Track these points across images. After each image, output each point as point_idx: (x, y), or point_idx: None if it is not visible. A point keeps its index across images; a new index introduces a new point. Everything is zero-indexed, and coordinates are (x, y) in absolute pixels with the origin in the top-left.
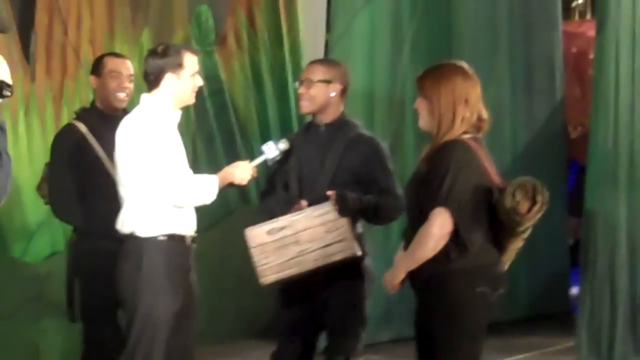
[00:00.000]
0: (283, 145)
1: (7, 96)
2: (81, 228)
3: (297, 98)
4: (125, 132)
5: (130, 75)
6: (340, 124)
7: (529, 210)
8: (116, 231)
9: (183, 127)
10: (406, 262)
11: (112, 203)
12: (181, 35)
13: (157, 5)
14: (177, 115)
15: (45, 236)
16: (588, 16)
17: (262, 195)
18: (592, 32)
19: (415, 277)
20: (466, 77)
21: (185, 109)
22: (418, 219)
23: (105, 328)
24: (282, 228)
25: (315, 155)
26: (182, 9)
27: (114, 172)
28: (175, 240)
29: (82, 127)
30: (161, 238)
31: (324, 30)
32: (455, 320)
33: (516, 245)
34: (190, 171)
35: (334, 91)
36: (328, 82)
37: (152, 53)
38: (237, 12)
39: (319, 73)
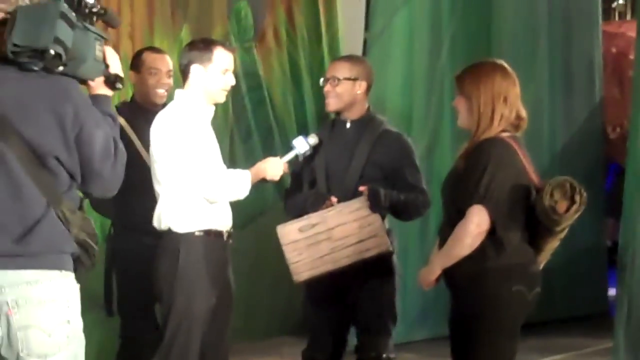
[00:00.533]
0: (313, 140)
1: (119, 88)
2: (119, 222)
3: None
4: (158, 128)
5: (169, 70)
6: (367, 121)
7: (567, 209)
8: (154, 226)
9: (221, 122)
10: (442, 259)
11: (150, 197)
12: (220, 31)
13: (197, 1)
14: (210, 111)
15: None
16: (628, 17)
17: (287, 193)
18: (632, 33)
19: (451, 275)
20: (505, 74)
21: (224, 105)
22: (455, 217)
23: (141, 323)
24: (314, 225)
25: (342, 152)
26: (221, 4)
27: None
28: (211, 235)
29: (121, 121)
30: (198, 233)
31: (363, 29)
32: (492, 319)
33: (553, 245)
34: (224, 166)
35: (360, 89)
36: (354, 79)
37: (186, 45)
38: (277, 9)
39: (345, 71)
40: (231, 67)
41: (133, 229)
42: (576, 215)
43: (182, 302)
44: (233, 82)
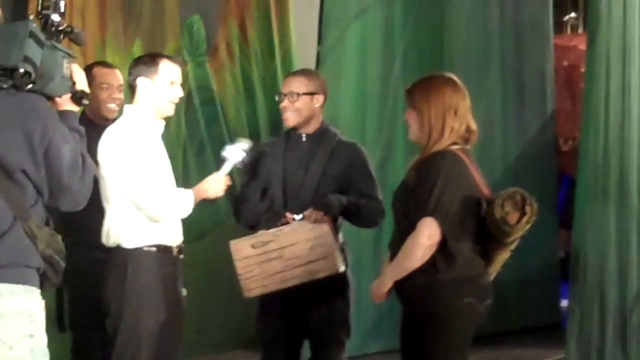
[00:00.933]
0: (245, 144)
1: (85, 104)
2: (69, 237)
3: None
4: (105, 143)
5: (120, 85)
6: (321, 134)
7: (518, 221)
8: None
9: (174, 137)
10: (393, 271)
11: (100, 212)
12: (173, 46)
13: (149, 15)
14: (160, 125)
15: None
16: (580, 30)
17: (237, 200)
18: (583, 46)
19: (402, 287)
20: (455, 88)
21: (177, 119)
22: (405, 229)
23: (93, 338)
24: (266, 242)
25: (298, 166)
26: (174, 19)
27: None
28: (161, 251)
29: None
30: (146, 249)
31: (316, 42)
32: (443, 331)
33: (503, 257)
34: (174, 182)
35: (317, 102)
36: (312, 93)
37: (133, 61)
38: (229, 23)
39: (302, 85)
40: (178, 79)
41: (83, 243)
42: (527, 226)
43: (130, 319)
44: (181, 94)
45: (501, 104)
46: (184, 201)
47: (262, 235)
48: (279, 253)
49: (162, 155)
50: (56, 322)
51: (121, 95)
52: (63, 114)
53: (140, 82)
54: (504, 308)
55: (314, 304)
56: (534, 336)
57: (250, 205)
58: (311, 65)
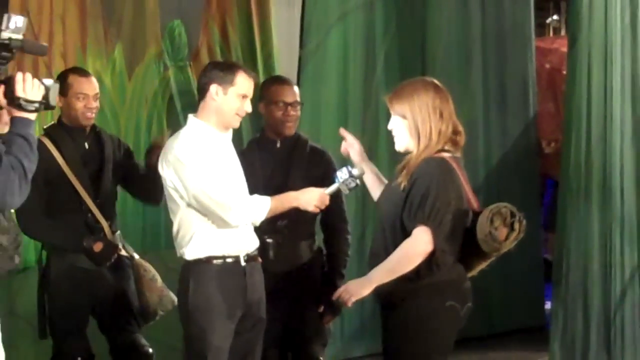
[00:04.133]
0: (357, 171)
1: (30, 110)
2: (49, 244)
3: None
4: (167, 155)
5: (97, 94)
6: (295, 139)
7: (507, 237)
8: (84, 246)
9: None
10: (383, 274)
11: (78, 218)
12: (154, 50)
13: (130, 20)
14: (225, 136)
15: None
16: (562, 32)
17: None
18: (565, 48)
19: (383, 292)
20: (437, 90)
21: (158, 123)
22: (394, 236)
23: (74, 344)
24: None
25: (275, 171)
26: (154, 24)
27: (79, 188)
28: (225, 261)
29: (48, 143)
30: (207, 260)
31: (298, 46)
32: (426, 335)
33: (483, 265)
34: (245, 189)
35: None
36: (301, 103)
37: (208, 64)
38: (211, 28)
39: (298, 94)
40: (250, 93)
41: (63, 249)
42: (514, 243)
43: (195, 335)
44: (249, 109)
45: (483, 106)
46: (257, 207)
47: None
48: None
49: (232, 162)
50: (37, 328)
51: (97, 104)
52: (12, 120)
53: (213, 89)
54: (488, 310)
55: (295, 302)
56: (518, 338)
57: None
58: (293, 69)
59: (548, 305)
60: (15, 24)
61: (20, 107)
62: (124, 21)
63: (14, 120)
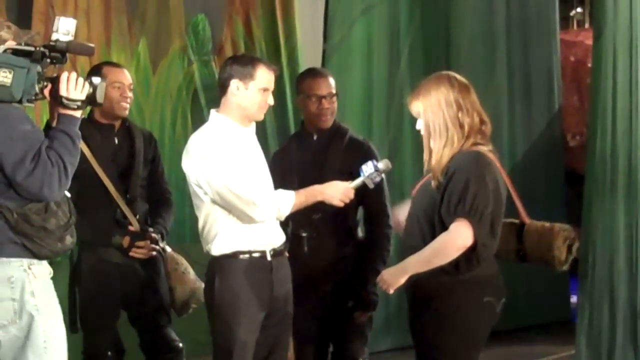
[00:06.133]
0: (383, 165)
1: (74, 108)
2: (80, 238)
3: (319, 111)
4: (191, 150)
5: (131, 84)
6: (334, 131)
7: (565, 259)
8: (112, 239)
9: (180, 136)
10: (418, 265)
11: (108, 212)
12: (178, 45)
13: (154, 14)
14: (249, 130)
15: None
16: (586, 25)
17: None
18: (590, 41)
19: (420, 285)
20: (452, 84)
21: (183, 119)
22: (432, 231)
23: (104, 338)
24: None
25: (312, 164)
26: (178, 18)
27: (108, 184)
28: (250, 256)
29: None
30: (233, 256)
31: (322, 40)
32: (462, 330)
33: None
34: (270, 184)
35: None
36: (337, 94)
37: (227, 59)
38: (234, 22)
39: (333, 86)
40: (272, 86)
41: (92, 243)
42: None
43: (221, 330)
44: (272, 102)
45: (508, 100)
46: (281, 202)
47: None
48: None
49: (255, 157)
50: (68, 323)
51: (131, 94)
52: (59, 118)
53: (234, 84)
54: (513, 305)
55: (336, 299)
56: (545, 332)
57: None
58: (317, 63)
59: (574, 299)
60: (65, 27)
61: (63, 105)
62: (148, 15)
63: (59, 116)
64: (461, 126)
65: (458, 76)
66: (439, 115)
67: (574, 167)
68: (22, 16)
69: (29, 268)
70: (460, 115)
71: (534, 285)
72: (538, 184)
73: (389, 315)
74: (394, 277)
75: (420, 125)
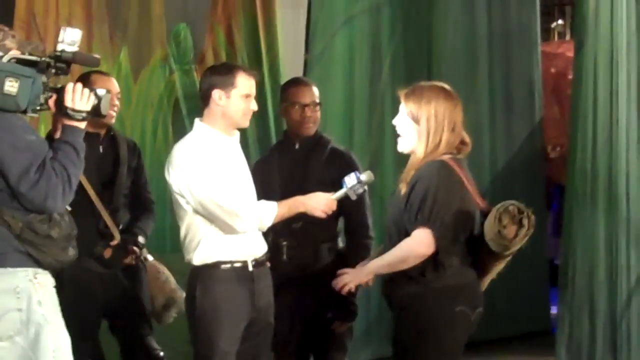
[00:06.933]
0: (366, 177)
1: (79, 119)
2: None
3: (302, 119)
4: (174, 160)
5: (118, 92)
6: (315, 141)
7: (516, 234)
8: (94, 250)
9: (161, 145)
10: (380, 267)
11: (91, 222)
12: (160, 54)
13: (136, 24)
14: (233, 139)
15: None
16: (567, 37)
17: None
18: (571, 53)
19: (393, 296)
20: (457, 103)
21: (164, 128)
22: (401, 238)
23: (85, 348)
24: None
25: (293, 172)
26: (160, 27)
27: (92, 193)
28: (232, 267)
29: None
30: (214, 266)
31: (303, 50)
32: (435, 339)
33: (499, 267)
34: (253, 194)
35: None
36: (319, 103)
37: (206, 69)
38: (216, 31)
39: (316, 95)
40: (253, 92)
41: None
42: (525, 239)
43: (202, 340)
44: (255, 107)
45: (489, 111)
46: (264, 213)
47: None
48: None
49: (239, 167)
50: None
51: (118, 103)
52: (63, 129)
53: (215, 94)
54: (493, 315)
55: (319, 309)
56: (525, 343)
57: None
58: (299, 73)
59: (554, 310)
60: (71, 37)
61: (68, 116)
62: (130, 24)
63: (63, 128)
64: (447, 144)
65: (455, 93)
66: (438, 130)
67: (554, 179)
68: (3, 24)
69: (35, 277)
70: (451, 135)
71: (514, 296)
72: (519, 195)
73: (370, 326)
74: (356, 276)
75: (404, 124)
